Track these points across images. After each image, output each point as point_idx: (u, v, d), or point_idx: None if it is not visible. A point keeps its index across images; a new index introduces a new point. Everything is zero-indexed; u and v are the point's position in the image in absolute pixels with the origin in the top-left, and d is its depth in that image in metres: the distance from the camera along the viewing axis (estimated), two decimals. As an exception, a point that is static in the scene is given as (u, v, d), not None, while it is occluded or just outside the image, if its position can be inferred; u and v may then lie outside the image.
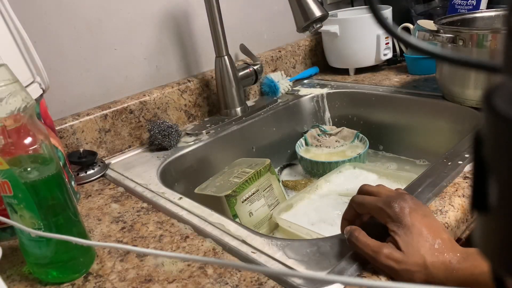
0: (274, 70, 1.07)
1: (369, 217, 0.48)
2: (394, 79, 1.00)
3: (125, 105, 0.81)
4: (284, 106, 0.97)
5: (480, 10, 0.93)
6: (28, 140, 0.43)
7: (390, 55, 1.06)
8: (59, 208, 0.46)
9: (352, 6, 1.26)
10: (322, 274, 0.43)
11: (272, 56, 1.06)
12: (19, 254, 0.52)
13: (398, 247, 0.40)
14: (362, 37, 1.03)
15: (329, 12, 0.82)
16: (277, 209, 0.67)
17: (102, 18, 0.79)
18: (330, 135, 0.95)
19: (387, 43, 1.04)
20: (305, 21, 0.77)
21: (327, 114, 1.03)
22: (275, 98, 1.00)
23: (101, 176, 0.73)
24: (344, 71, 1.11)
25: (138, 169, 0.73)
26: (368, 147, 0.87)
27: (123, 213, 0.61)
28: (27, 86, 0.59)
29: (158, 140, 0.78)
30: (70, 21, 0.76)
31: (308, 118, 1.02)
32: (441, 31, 0.78)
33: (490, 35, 0.71)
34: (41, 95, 0.62)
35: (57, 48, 0.75)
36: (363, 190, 0.48)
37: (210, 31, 0.87)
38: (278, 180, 0.73)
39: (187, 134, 0.86)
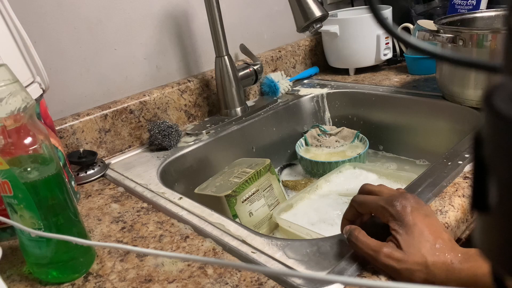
0: (274, 70, 1.07)
1: (370, 217, 0.48)
2: (394, 79, 1.00)
3: (125, 105, 0.81)
4: (284, 106, 0.97)
5: (480, 10, 0.93)
6: (28, 140, 0.43)
7: (390, 55, 1.06)
8: (59, 208, 0.46)
9: (352, 6, 1.26)
10: (322, 274, 0.43)
11: (272, 56, 1.06)
12: (19, 254, 0.52)
13: (399, 246, 0.40)
14: (362, 37, 1.03)
15: (329, 12, 0.82)
16: (277, 209, 0.67)
17: (102, 18, 0.79)
18: (330, 135, 0.95)
19: (387, 43, 1.04)
20: (305, 21, 0.77)
21: (327, 114, 1.03)
22: (275, 98, 1.00)
23: (101, 176, 0.73)
24: (344, 71, 1.11)
25: (138, 169, 0.73)
26: (368, 147, 0.87)
27: (123, 213, 0.61)
28: (27, 86, 0.59)
29: (158, 140, 0.78)
30: (70, 21, 0.76)
31: (308, 118, 1.02)
32: (441, 31, 0.78)
33: (490, 35, 0.71)
34: (41, 95, 0.62)
35: (57, 48, 0.75)
36: (365, 190, 0.48)
37: (210, 31, 0.87)
38: (278, 180, 0.73)
39: (187, 134, 0.86)
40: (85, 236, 0.50)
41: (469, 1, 0.96)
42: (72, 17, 0.76)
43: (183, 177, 0.78)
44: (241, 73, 0.92)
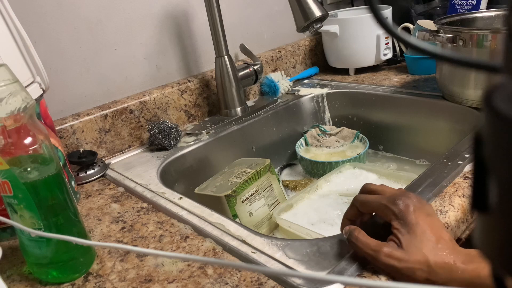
0: (274, 70, 1.07)
1: (370, 217, 0.48)
2: (394, 79, 1.00)
3: (125, 105, 0.81)
4: (284, 106, 0.97)
5: (480, 10, 0.93)
6: (28, 140, 0.43)
7: (390, 55, 1.06)
8: (59, 208, 0.46)
9: (352, 6, 1.26)
10: (322, 274, 0.43)
11: (272, 56, 1.06)
12: (19, 254, 0.52)
13: (400, 245, 0.40)
14: (362, 37, 1.03)
15: (329, 12, 0.82)
16: (277, 209, 0.66)
17: (102, 18, 0.79)
18: (330, 135, 0.95)
19: (387, 43, 1.04)
20: (305, 21, 0.77)
21: (327, 114, 1.03)
22: (275, 98, 1.00)
23: (101, 176, 0.73)
24: (344, 71, 1.11)
25: (138, 169, 0.73)
26: (368, 147, 0.87)
27: (123, 213, 0.61)
28: (27, 86, 0.59)
29: (158, 140, 0.78)
30: (70, 21, 0.76)
31: (308, 118, 1.02)
32: (441, 31, 0.78)
33: (490, 35, 0.71)
34: (41, 95, 0.62)
35: (57, 48, 0.75)
36: (366, 189, 0.48)
37: (210, 31, 0.87)
38: (278, 180, 0.73)
39: (187, 134, 0.86)
40: (85, 236, 0.50)
41: (469, 1, 0.96)
42: (72, 17, 0.76)
43: (183, 177, 0.78)
44: (241, 73, 0.92)
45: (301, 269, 0.44)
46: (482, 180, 0.15)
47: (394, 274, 0.40)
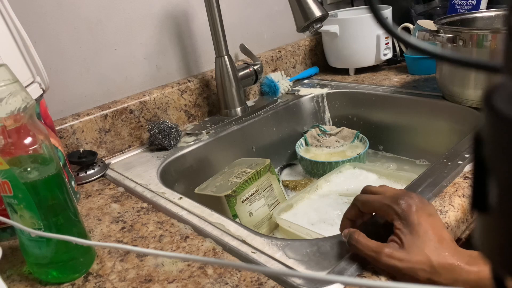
0: (274, 70, 1.07)
1: (370, 217, 0.48)
2: (394, 79, 1.00)
3: (125, 105, 0.81)
4: (284, 106, 0.97)
5: (480, 10, 0.93)
6: (28, 140, 0.43)
7: (390, 55, 1.06)
8: (59, 208, 0.46)
9: (352, 6, 1.26)
10: (322, 274, 0.43)
11: (272, 56, 1.06)
12: (19, 254, 0.52)
13: (402, 245, 0.40)
14: (362, 37, 1.03)
15: (329, 12, 0.82)
16: (277, 209, 0.67)
17: (102, 18, 0.79)
18: (330, 135, 0.95)
19: (387, 43, 1.04)
20: (305, 21, 0.77)
21: (327, 114, 1.03)
22: (275, 98, 1.00)
23: (101, 176, 0.73)
24: (344, 71, 1.11)
25: (138, 169, 0.73)
26: (368, 147, 0.87)
27: (123, 213, 0.61)
28: (27, 86, 0.59)
29: (158, 140, 0.78)
30: (70, 21, 0.76)
31: (308, 118, 1.02)
32: (441, 31, 0.78)
33: (490, 35, 0.71)
34: (41, 95, 0.62)
35: (57, 48, 0.75)
36: (367, 190, 0.48)
37: (210, 31, 0.87)
38: (278, 180, 0.73)
39: (187, 134, 0.86)
40: (85, 236, 0.50)
41: (469, 1, 0.96)
42: (72, 17, 0.76)
43: (183, 177, 0.78)
44: (241, 73, 0.92)
45: (301, 269, 0.44)
46: (482, 180, 0.15)
47: (396, 274, 0.40)
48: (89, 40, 0.79)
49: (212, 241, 0.51)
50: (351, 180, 0.74)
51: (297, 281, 0.42)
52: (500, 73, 0.15)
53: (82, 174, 0.72)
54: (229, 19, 0.98)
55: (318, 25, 0.79)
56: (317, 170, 0.85)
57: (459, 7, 0.99)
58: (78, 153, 0.73)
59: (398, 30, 0.18)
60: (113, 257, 0.51)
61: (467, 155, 0.61)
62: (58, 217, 0.46)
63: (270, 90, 1.01)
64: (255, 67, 0.95)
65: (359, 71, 1.10)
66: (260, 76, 0.96)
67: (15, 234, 0.53)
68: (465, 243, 0.52)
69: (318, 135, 0.96)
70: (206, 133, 0.85)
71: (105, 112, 0.78)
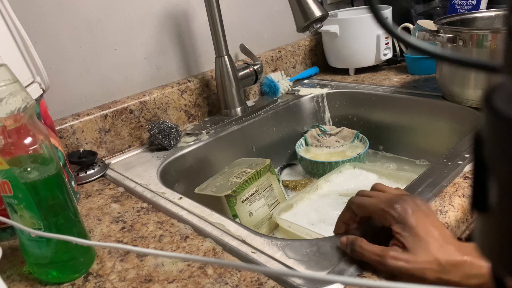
0: (274, 70, 1.07)
1: (367, 221, 0.47)
2: (394, 79, 1.00)
3: (125, 105, 0.81)
4: (284, 106, 0.97)
5: (480, 10, 0.93)
6: (28, 140, 0.43)
7: (390, 55, 1.06)
8: (59, 208, 0.46)
9: (352, 6, 1.26)
10: (322, 274, 0.43)
11: (272, 56, 1.06)
12: (19, 254, 0.52)
13: (404, 248, 0.40)
14: (362, 37, 1.03)
15: (329, 12, 0.82)
16: (277, 209, 0.66)
17: (102, 18, 0.79)
18: (330, 135, 0.95)
19: (387, 43, 1.04)
20: (305, 21, 0.77)
21: (327, 114, 1.03)
22: (275, 98, 1.00)
23: (101, 176, 0.73)
24: (344, 71, 1.11)
25: (138, 169, 0.73)
26: (368, 147, 0.87)
27: (123, 213, 0.61)
28: (27, 86, 0.59)
29: (158, 140, 0.78)
30: (70, 21, 0.76)
31: (308, 118, 1.02)
32: (441, 31, 0.78)
33: (490, 35, 0.71)
34: (41, 95, 0.62)
35: (57, 48, 0.75)
36: (362, 194, 0.48)
37: (210, 31, 0.87)
38: (278, 180, 0.73)
39: (187, 134, 0.86)
40: (85, 236, 0.50)
41: (469, 1, 0.96)
42: (72, 17, 0.76)
43: (183, 177, 0.78)
44: (241, 73, 0.92)
45: (301, 269, 0.44)
46: (482, 180, 0.15)
47: (403, 276, 0.39)
48: (89, 40, 0.79)
49: (212, 241, 0.51)
50: (351, 180, 0.74)
51: (297, 281, 0.42)
52: (500, 73, 0.15)
53: (82, 174, 0.72)
54: (229, 19, 0.98)
55: (318, 25, 0.79)
56: (317, 170, 0.85)
57: (459, 7, 0.99)
58: (78, 153, 0.73)
59: (398, 30, 0.18)
60: (113, 257, 0.51)
61: (467, 155, 0.61)
62: (58, 217, 0.46)
63: (270, 90, 1.01)
64: (255, 67, 0.95)
65: (359, 71, 1.10)
66: (260, 76, 0.96)
67: (15, 234, 0.53)
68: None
69: (318, 135, 0.96)
70: (206, 133, 0.85)
71: (105, 112, 0.78)
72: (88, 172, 0.72)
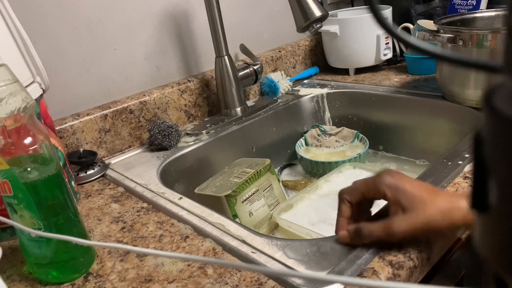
0: (274, 70, 1.07)
1: (367, 217, 0.49)
2: (394, 79, 1.00)
3: (125, 105, 0.81)
4: (284, 106, 0.97)
5: (480, 10, 0.93)
6: (28, 140, 0.43)
7: (390, 55, 1.06)
8: (59, 208, 0.46)
9: (352, 6, 1.26)
10: (322, 274, 0.43)
11: (272, 56, 1.06)
12: (19, 254, 0.52)
13: (404, 209, 0.42)
14: (362, 37, 1.03)
15: (329, 12, 0.82)
16: (277, 209, 0.67)
17: (102, 18, 0.79)
18: (330, 135, 0.95)
19: (387, 43, 1.04)
20: (305, 21, 0.77)
21: (327, 114, 1.03)
22: (275, 98, 1.00)
23: (101, 176, 0.73)
24: (344, 71, 1.11)
25: (138, 169, 0.73)
26: (368, 147, 0.87)
27: (123, 213, 0.61)
28: (27, 86, 0.59)
29: (158, 140, 0.78)
30: (70, 21, 0.76)
31: (308, 118, 1.02)
32: (441, 31, 0.78)
33: (490, 35, 0.71)
34: (41, 95, 0.62)
35: (57, 48, 0.75)
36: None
37: (210, 31, 0.87)
38: (278, 180, 0.73)
39: (187, 134, 0.86)
40: (85, 236, 0.50)
41: (469, 1, 0.96)
42: (72, 17, 0.76)
43: (183, 177, 0.78)
44: (241, 73, 0.92)
45: (301, 269, 0.44)
46: (482, 180, 0.15)
47: (414, 234, 0.43)
48: (89, 40, 0.79)
49: (212, 241, 0.51)
50: (351, 180, 0.73)
51: (297, 281, 0.42)
52: (500, 73, 0.15)
53: (82, 174, 0.72)
54: (229, 19, 0.98)
55: (318, 25, 0.79)
56: (317, 170, 0.85)
57: (459, 7, 0.99)
58: (78, 153, 0.73)
59: (398, 30, 0.18)
60: (113, 257, 0.51)
61: (467, 155, 0.61)
62: (58, 217, 0.46)
63: (270, 90, 1.01)
64: (255, 67, 0.95)
65: (359, 71, 1.10)
66: (260, 76, 0.96)
67: (15, 234, 0.53)
68: (465, 243, 0.52)
69: (318, 135, 0.96)
70: (206, 133, 0.85)
71: (105, 112, 0.78)
72: (88, 172, 0.72)
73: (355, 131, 0.93)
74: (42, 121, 0.63)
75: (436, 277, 0.50)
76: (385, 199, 0.44)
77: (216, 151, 0.84)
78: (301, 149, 0.93)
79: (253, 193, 0.68)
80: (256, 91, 1.03)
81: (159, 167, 0.73)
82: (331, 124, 1.03)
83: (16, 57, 0.59)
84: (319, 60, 1.18)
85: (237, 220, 0.64)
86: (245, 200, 0.66)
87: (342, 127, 0.96)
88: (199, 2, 0.91)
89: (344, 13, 1.12)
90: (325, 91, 1.02)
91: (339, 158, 0.88)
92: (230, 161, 0.79)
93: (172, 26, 0.89)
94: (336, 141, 0.93)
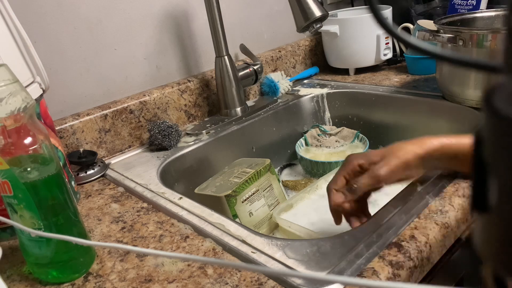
0: (274, 70, 1.07)
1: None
2: (394, 79, 1.00)
3: (125, 105, 0.81)
4: (284, 106, 0.97)
5: (480, 10, 0.93)
6: (28, 140, 0.43)
7: (390, 55, 1.06)
8: (59, 208, 0.46)
9: (352, 6, 1.26)
10: (322, 274, 0.43)
11: (272, 56, 1.06)
12: (19, 254, 0.52)
13: (381, 159, 0.50)
14: (362, 37, 1.03)
15: (329, 12, 0.82)
16: (277, 209, 0.67)
17: (102, 18, 0.79)
18: (330, 135, 0.95)
19: (387, 43, 1.04)
20: (305, 21, 0.77)
21: (327, 114, 1.03)
22: (275, 98, 1.00)
23: (101, 176, 0.73)
24: (344, 71, 1.11)
25: (138, 169, 0.73)
26: (368, 147, 0.87)
27: (123, 213, 0.61)
28: (27, 86, 0.59)
29: (158, 140, 0.78)
30: (70, 21, 0.76)
31: (308, 118, 1.02)
32: (441, 31, 0.78)
33: (490, 35, 0.71)
34: (41, 95, 0.62)
35: (57, 48, 0.75)
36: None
37: (210, 31, 0.87)
38: (278, 180, 0.73)
39: (187, 134, 0.86)
40: (85, 236, 0.50)
41: (469, 1, 0.96)
42: (72, 17, 0.76)
43: (183, 177, 0.78)
44: (241, 73, 0.92)
45: (301, 269, 0.44)
46: (482, 180, 0.15)
47: (397, 175, 0.50)
48: (89, 40, 0.79)
49: (212, 241, 0.51)
50: (351, 180, 0.73)
51: (297, 281, 0.42)
52: (500, 73, 0.15)
53: (82, 174, 0.72)
54: (229, 19, 0.98)
55: (318, 25, 0.79)
56: (317, 170, 0.85)
57: (459, 7, 0.99)
58: (78, 153, 0.73)
59: (398, 30, 0.18)
60: (113, 257, 0.51)
61: (467, 155, 0.61)
62: (58, 217, 0.46)
63: (270, 90, 1.01)
64: (255, 67, 0.95)
65: (359, 71, 1.10)
66: (260, 76, 0.96)
67: (15, 234, 0.53)
68: (465, 243, 0.52)
69: (318, 135, 0.96)
70: (206, 133, 0.85)
71: (105, 112, 0.78)
72: (88, 172, 0.72)
73: (355, 131, 0.93)
74: (42, 121, 0.63)
75: (436, 277, 0.50)
76: (362, 168, 0.51)
77: (216, 151, 0.84)
78: (301, 149, 0.93)
79: (253, 193, 0.68)
80: (256, 91, 1.03)
81: (159, 167, 0.73)
82: (331, 124, 1.03)
83: (16, 57, 0.59)
84: (319, 60, 1.18)
85: (237, 220, 0.64)
86: (245, 200, 0.66)
87: (342, 127, 0.96)
88: (199, 2, 0.91)
89: (344, 13, 1.12)
90: (325, 91, 1.02)
91: (339, 158, 0.88)
92: (230, 161, 0.79)
93: (172, 26, 0.89)
94: (336, 141, 0.93)
